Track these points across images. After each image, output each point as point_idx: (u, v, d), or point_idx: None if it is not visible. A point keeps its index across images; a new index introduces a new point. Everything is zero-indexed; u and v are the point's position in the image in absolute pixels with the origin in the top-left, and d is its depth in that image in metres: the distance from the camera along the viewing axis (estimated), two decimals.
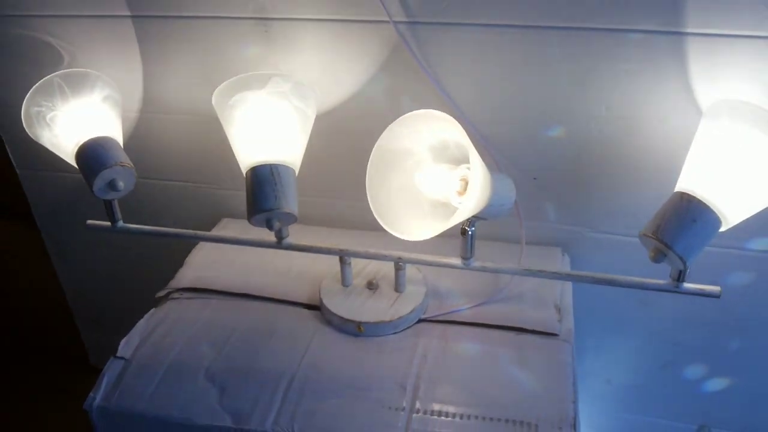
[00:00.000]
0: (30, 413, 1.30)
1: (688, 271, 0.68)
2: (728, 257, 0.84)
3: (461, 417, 0.67)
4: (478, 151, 0.63)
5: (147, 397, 0.71)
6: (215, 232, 0.98)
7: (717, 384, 0.98)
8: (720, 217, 0.64)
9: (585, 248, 0.90)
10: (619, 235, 0.87)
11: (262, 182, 0.71)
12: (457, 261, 0.75)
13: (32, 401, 1.32)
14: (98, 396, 0.72)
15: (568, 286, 0.84)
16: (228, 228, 0.99)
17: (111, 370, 0.74)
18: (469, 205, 0.63)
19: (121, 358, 0.75)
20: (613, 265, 0.86)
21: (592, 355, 1.01)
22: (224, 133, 0.76)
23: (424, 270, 0.85)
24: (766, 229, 0.82)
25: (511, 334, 0.77)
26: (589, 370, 1.02)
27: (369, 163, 0.69)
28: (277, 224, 0.73)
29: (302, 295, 0.84)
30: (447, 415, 0.67)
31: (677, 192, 0.65)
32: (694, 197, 0.64)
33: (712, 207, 0.63)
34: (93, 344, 1.32)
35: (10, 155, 1.07)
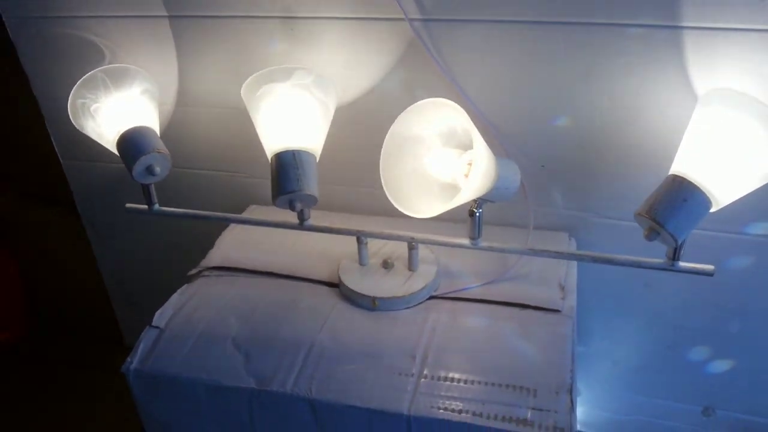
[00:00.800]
0: (68, 389, 1.39)
1: (683, 250, 0.73)
2: (728, 241, 0.88)
3: (465, 382, 0.72)
4: (489, 141, 0.68)
5: (179, 361, 0.78)
6: None
7: (720, 366, 1.01)
8: (710, 197, 0.68)
9: (591, 232, 0.94)
10: (622, 220, 0.91)
11: (286, 166, 0.77)
12: (465, 241, 0.80)
13: (70, 378, 1.41)
14: (135, 360, 0.78)
15: (573, 266, 0.88)
16: (255, 213, 1.06)
17: (147, 338, 0.81)
18: (473, 184, 0.68)
19: (156, 327, 0.82)
20: (618, 249, 0.89)
21: (599, 337, 1.05)
22: (252, 124, 0.83)
23: (437, 252, 0.90)
24: (765, 214, 0.85)
25: (515, 310, 0.82)
26: (597, 351, 1.07)
27: (383, 148, 0.74)
28: (298, 205, 0.79)
29: (323, 274, 0.90)
30: (452, 380, 0.72)
31: (670, 174, 0.70)
32: (685, 179, 0.68)
33: (702, 188, 0.68)
34: (128, 326, 1.40)
35: (55, 146, 1.16)
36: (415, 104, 0.72)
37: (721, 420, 1.07)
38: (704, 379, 1.03)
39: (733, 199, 0.69)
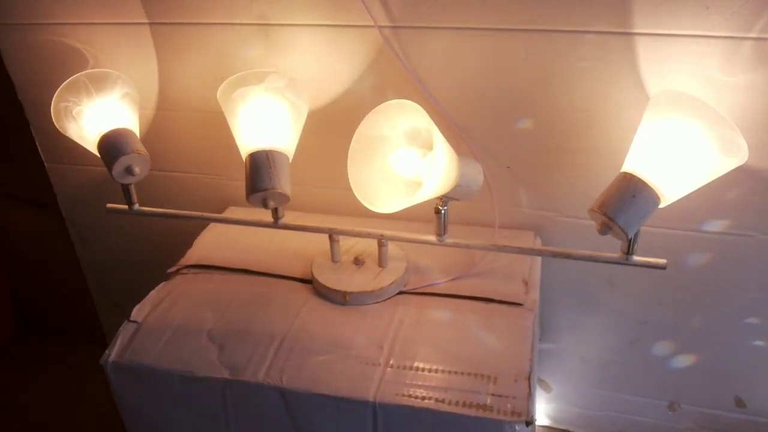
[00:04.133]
0: (52, 388, 1.41)
1: (637, 245, 0.77)
2: (687, 239, 0.92)
3: (429, 371, 0.75)
4: (456, 143, 0.72)
5: (155, 353, 0.80)
6: None
7: (684, 360, 1.04)
8: (658, 194, 0.72)
9: (555, 231, 0.98)
10: (585, 219, 0.95)
11: (259, 166, 0.81)
12: (432, 238, 0.84)
13: (53, 378, 1.43)
14: (113, 353, 0.81)
15: (537, 263, 0.92)
16: (233, 214, 1.09)
17: (125, 332, 0.84)
18: (434, 180, 0.72)
19: (134, 321, 0.85)
20: (582, 247, 0.93)
21: (567, 334, 1.08)
22: (230, 128, 0.86)
23: (406, 249, 0.93)
24: (720, 212, 0.89)
25: (480, 304, 0.85)
26: (565, 348, 1.10)
27: (350, 148, 0.78)
28: (271, 203, 0.83)
29: (296, 271, 0.93)
30: (417, 369, 0.76)
31: (621, 172, 0.74)
32: (634, 176, 0.72)
33: (651, 185, 0.72)
34: (110, 326, 1.42)
35: (39, 149, 1.18)
36: (380, 106, 0.75)
37: (686, 414, 1.11)
38: (669, 374, 1.06)
39: (680, 196, 0.73)
